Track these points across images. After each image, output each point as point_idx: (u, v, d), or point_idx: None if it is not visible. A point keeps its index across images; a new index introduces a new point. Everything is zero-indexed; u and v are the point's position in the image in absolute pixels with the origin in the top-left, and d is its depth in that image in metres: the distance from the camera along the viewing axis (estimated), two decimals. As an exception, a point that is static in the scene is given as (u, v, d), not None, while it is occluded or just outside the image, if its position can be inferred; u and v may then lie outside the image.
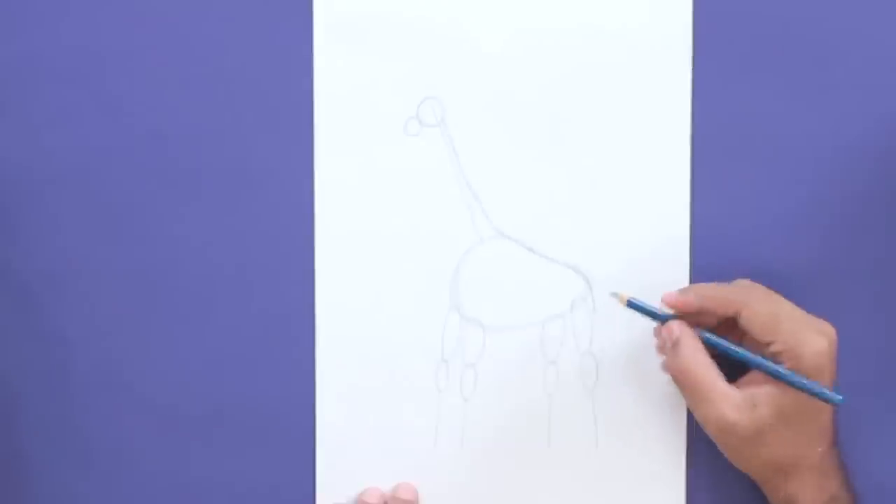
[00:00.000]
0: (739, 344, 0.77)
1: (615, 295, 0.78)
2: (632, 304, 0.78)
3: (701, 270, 0.80)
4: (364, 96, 0.81)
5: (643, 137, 0.80)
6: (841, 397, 0.73)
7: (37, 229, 0.82)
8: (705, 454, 0.79)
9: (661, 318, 0.77)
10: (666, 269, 0.80)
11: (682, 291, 0.77)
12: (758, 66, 0.79)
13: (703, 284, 0.79)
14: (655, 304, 0.77)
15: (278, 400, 0.82)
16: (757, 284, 0.77)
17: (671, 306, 0.77)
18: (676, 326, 0.76)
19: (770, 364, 0.74)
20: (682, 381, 0.76)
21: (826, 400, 0.73)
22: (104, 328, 0.82)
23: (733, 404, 0.74)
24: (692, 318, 0.77)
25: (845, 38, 0.79)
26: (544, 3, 0.80)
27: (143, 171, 0.81)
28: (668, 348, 0.76)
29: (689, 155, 0.80)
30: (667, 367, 0.77)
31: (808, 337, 0.74)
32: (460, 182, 0.81)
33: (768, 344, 0.75)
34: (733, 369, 0.77)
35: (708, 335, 0.76)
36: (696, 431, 0.79)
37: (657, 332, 0.78)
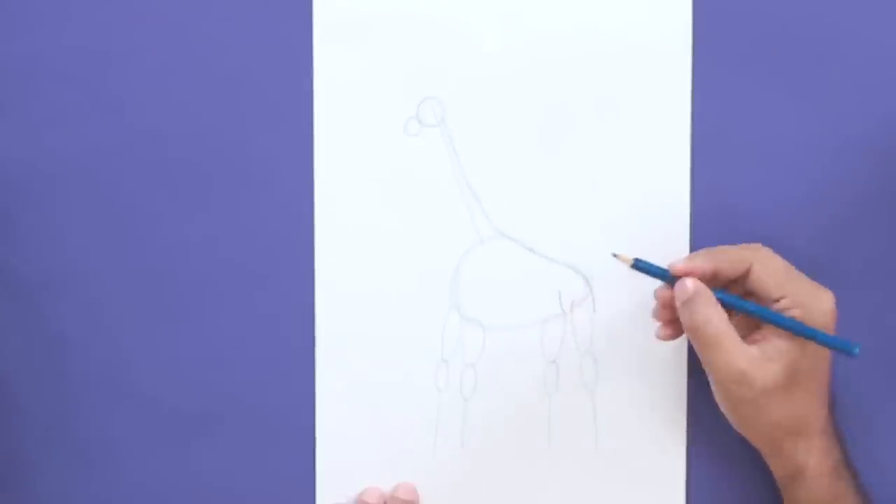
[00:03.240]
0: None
1: (617, 256, 0.78)
2: (638, 265, 0.77)
3: (701, 270, 0.80)
4: (364, 96, 0.81)
5: (643, 137, 0.80)
6: (857, 347, 0.73)
7: (36, 229, 0.82)
8: (705, 454, 0.79)
9: (670, 280, 0.76)
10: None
11: (690, 257, 0.77)
12: (758, 65, 0.79)
13: (709, 248, 0.78)
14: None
15: (278, 400, 0.82)
16: (763, 246, 0.77)
17: (682, 274, 0.75)
18: (690, 282, 0.75)
19: (786, 318, 0.74)
20: (699, 335, 0.75)
21: (844, 351, 0.73)
22: (104, 328, 0.82)
23: (749, 358, 0.74)
24: (704, 282, 0.76)
25: (845, 38, 0.79)
26: (544, 3, 0.80)
27: (142, 171, 0.81)
28: (680, 306, 0.75)
29: (689, 155, 0.80)
30: (666, 328, 0.77)
31: (817, 294, 0.75)
32: (460, 182, 0.81)
33: (777, 300, 0.75)
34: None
35: (721, 294, 0.75)
36: (696, 431, 0.79)
37: (659, 294, 0.77)
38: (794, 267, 0.76)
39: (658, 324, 0.78)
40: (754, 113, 0.80)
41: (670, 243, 0.80)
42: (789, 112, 0.80)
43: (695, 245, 0.80)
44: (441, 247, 0.81)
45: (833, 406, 0.77)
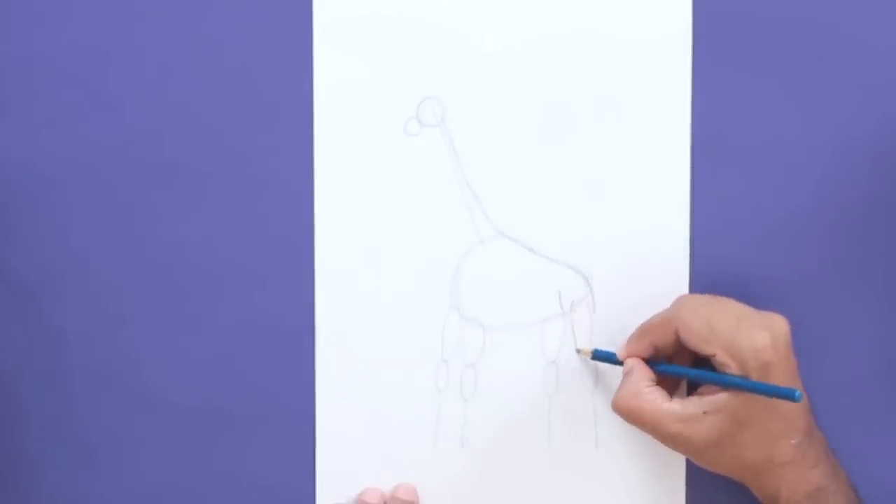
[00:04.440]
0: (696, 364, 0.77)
1: (579, 351, 0.80)
2: (597, 355, 0.80)
3: (700, 270, 0.80)
4: (364, 96, 0.81)
5: (643, 137, 0.80)
6: (798, 392, 0.71)
7: (37, 229, 0.82)
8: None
9: (620, 364, 0.79)
10: (666, 269, 0.80)
11: (629, 340, 0.79)
12: (758, 65, 0.79)
13: (642, 324, 0.79)
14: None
15: (278, 400, 0.82)
16: (692, 295, 0.78)
17: (628, 357, 0.78)
18: (628, 364, 0.78)
19: (717, 375, 0.74)
20: (625, 415, 0.76)
21: (782, 397, 0.72)
22: (104, 327, 0.82)
23: (677, 419, 0.74)
24: (652, 359, 0.78)
25: (845, 38, 0.79)
26: (544, 3, 0.80)
27: (142, 171, 0.81)
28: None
29: (689, 155, 0.80)
30: (614, 410, 0.78)
31: (746, 336, 0.73)
32: (460, 182, 0.81)
33: (711, 356, 0.74)
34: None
35: (658, 365, 0.77)
36: (695, 431, 0.79)
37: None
38: (725, 308, 0.75)
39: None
40: (754, 113, 0.80)
41: (670, 244, 0.80)
42: (789, 112, 0.80)
43: (695, 245, 0.80)
44: (441, 247, 0.81)
45: (811, 430, 0.75)
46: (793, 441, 0.74)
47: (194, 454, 0.82)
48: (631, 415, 0.76)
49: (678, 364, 0.78)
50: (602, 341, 0.81)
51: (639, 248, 0.80)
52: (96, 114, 0.81)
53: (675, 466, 0.81)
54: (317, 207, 0.81)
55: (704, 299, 0.77)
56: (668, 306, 0.78)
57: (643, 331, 0.78)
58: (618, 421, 0.78)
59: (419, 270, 0.81)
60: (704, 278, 0.80)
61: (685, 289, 0.80)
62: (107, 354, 0.82)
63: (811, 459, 0.75)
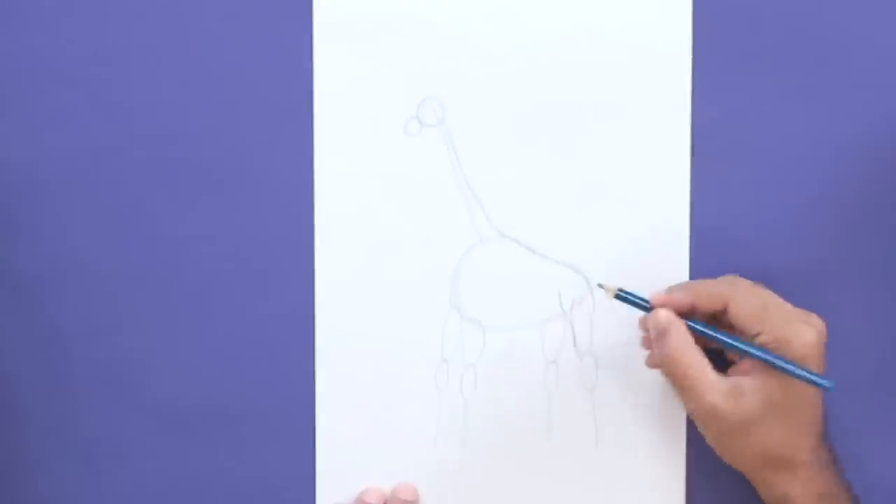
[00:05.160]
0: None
1: (603, 286, 0.78)
2: (620, 296, 0.77)
3: (700, 270, 0.80)
4: (364, 96, 0.81)
5: (643, 137, 0.80)
6: (830, 383, 0.72)
7: (37, 229, 0.82)
8: (705, 454, 0.79)
9: (650, 310, 0.77)
10: (666, 269, 0.80)
11: (671, 289, 0.77)
12: (758, 66, 0.79)
13: (689, 282, 0.78)
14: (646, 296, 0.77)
15: (278, 400, 0.82)
16: (742, 278, 0.77)
17: (660, 305, 0.76)
18: (664, 315, 0.75)
19: (758, 350, 0.74)
20: (669, 369, 0.75)
21: (815, 384, 0.73)
22: (104, 328, 0.82)
23: (720, 392, 0.74)
24: (682, 315, 0.76)
25: (845, 38, 0.79)
26: (544, 2, 0.80)
27: (142, 171, 0.81)
28: (655, 337, 0.76)
29: (689, 155, 0.80)
30: (654, 357, 0.77)
31: (795, 327, 0.74)
32: (460, 182, 0.81)
33: (756, 335, 0.74)
34: (721, 364, 0.77)
35: (695, 324, 0.76)
36: (696, 431, 0.79)
37: (643, 324, 0.78)
38: (776, 298, 0.75)
39: (647, 352, 0.79)
40: (754, 113, 0.80)
41: (670, 243, 0.80)
42: (789, 112, 0.80)
43: (694, 245, 0.80)
44: (441, 247, 0.81)
45: (826, 434, 0.76)
46: (812, 441, 0.75)
47: (194, 454, 0.82)
48: (678, 370, 0.75)
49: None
50: (602, 341, 0.81)
51: (639, 248, 0.80)
52: (97, 114, 0.81)
53: (675, 466, 0.81)
54: (317, 207, 0.81)
55: (753, 283, 0.77)
56: (712, 280, 0.77)
57: (690, 287, 0.77)
58: (617, 421, 0.78)
59: (419, 270, 0.81)
60: (704, 278, 0.80)
61: (685, 289, 0.80)
62: (107, 355, 0.82)
63: (824, 465, 0.75)
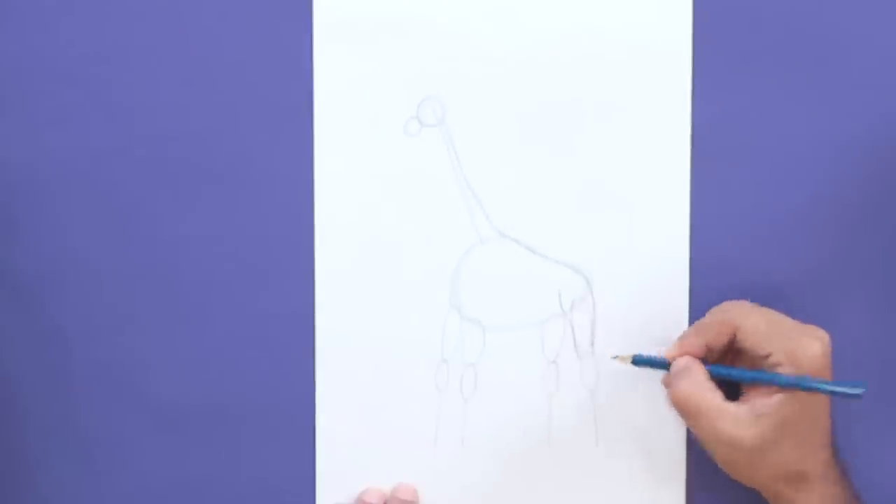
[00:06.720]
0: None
1: (616, 357, 0.79)
2: (637, 361, 0.78)
3: (701, 270, 0.80)
4: (364, 96, 0.81)
5: (643, 137, 0.80)
6: (861, 389, 0.73)
7: (37, 229, 0.82)
8: (705, 454, 0.79)
9: (668, 366, 0.77)
10: (666, 269, 0.80)
11: (681, 338, 0.78)
12: (758, 66, 0.79)
13: (695, 323, 0.79)
14: (657, 333, 0.78)
15: (278, 400, 0.82)
16: (744, 302, 0.77)
17: (680, 355, 0.77)
18: (684, 360, 0.77)
19: (781, 376, 0.74)
20: (684, 407, 0.76)
21: (848, 396, 0.73)
22: (104, 327, 0.82)
23: (736, 420, 0.74)
24: (700, 357, 0.77)
25: (845, 38, 0.79)
26: (544, 2, 0.80)
27: (142, 171, 0.81)
28: (672, 381, 0.77)
29: (689, 155, 0.80)
30: (670, 399, 0.77)
31: (803, 342, 0.74)
32: (460, 182, 0.81)
33: (766, 356, 0.75)
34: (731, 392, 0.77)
35: (713, 368, 0.76)
36: (696, 431, 0.79)
37: (664, 383, 0.78)
38: (778, 315, 0.76)
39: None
40: (754, 113, 0.80)
41: (670, 244, 0.80)
42: (789, 112, 0.80)
43: (694, 244, 0.80)
44: (441, 247, 0.81)
45: (836, 447, 0.76)
46: (825, 454, 0.75)
47: (194, 454, 0.82)
48: (690, 409, 0.75)
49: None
50: (602, 341, 0.81)
51: (639, 248, 0.80)
52: (97, 114, 0.81)
53: (675, 466, 0.81)
54: (317, 207, 0.81)
55: (753, 305, 0.77)
56: (713, 312, 0.77)
57: (698, 330, 0.78)
58: (618, 421, 0.78)
59: (419, 270, 0.81)
60: (704, 278, 0.80)
61: (685, 289, 0.80)
62: (107, 354, 0.82)
63: (838, 476, 0.76)
